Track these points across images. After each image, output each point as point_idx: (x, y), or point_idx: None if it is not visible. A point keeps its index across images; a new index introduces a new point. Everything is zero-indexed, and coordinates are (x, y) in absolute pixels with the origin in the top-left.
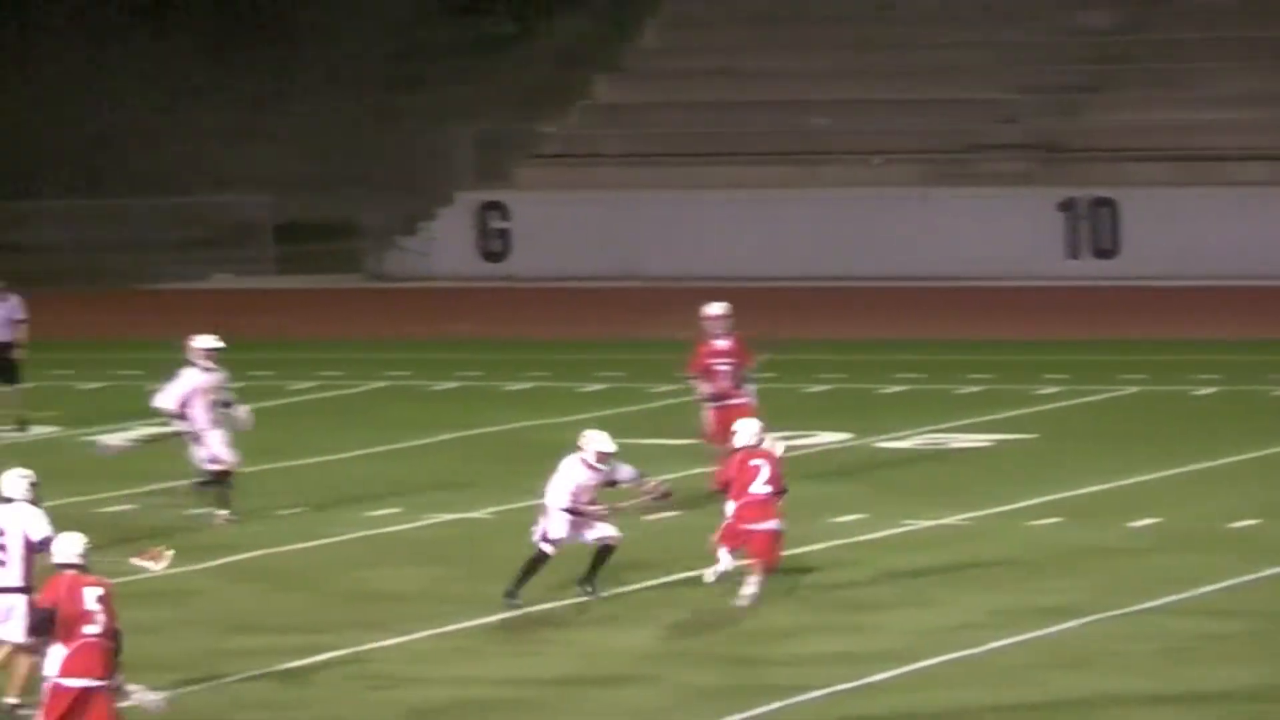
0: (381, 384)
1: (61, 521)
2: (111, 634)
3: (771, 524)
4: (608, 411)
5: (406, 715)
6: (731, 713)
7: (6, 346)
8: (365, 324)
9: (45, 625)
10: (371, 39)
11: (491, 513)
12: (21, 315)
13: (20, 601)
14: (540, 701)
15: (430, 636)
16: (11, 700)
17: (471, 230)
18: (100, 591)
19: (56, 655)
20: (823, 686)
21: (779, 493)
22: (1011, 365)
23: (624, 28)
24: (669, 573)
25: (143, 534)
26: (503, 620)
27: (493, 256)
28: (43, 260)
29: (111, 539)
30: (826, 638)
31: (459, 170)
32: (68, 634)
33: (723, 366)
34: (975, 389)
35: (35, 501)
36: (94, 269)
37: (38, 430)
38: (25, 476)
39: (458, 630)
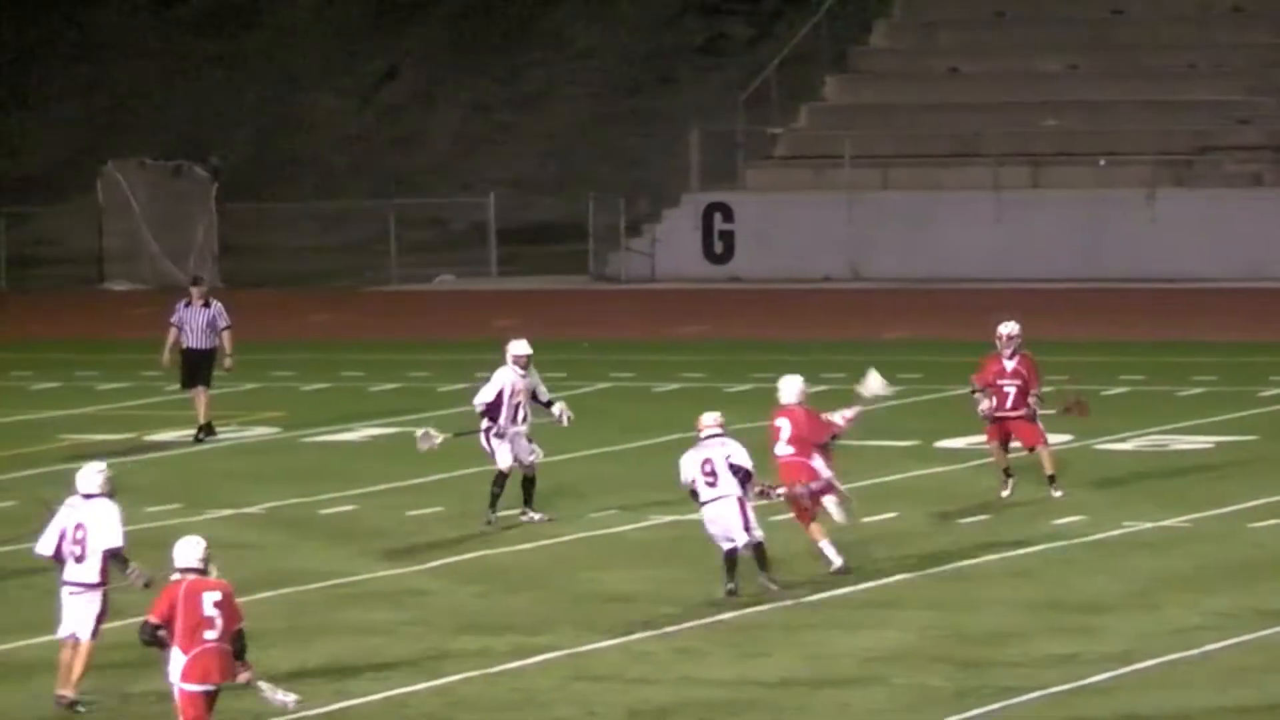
0: (605, 385)
1: (282, 522)
2: (231, 637)
3: (797, 487)
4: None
5: (628, 716)
6: (956, 713)
7: (209, 353)
8: (590, 325)
9: (154, 639)
10: (603, 42)
11: None
12: (225, 322)
13: (97, 597)
14: (765, 703)
15: (652, 637)
16: (69, 695)
17: (697, 232)
18: (218, 595)
19: (176, 661)
20: (1045, 687)
21: (816, 447)
22: (1235, 367)
23: (853, 29)
24: (890, 575)
25: (365, 535)
26: (724, 621)
27: (718, 258)
28: (274, 262)
29: (333, 539)
30: (1049, 639)
31: (687, 172)
32: (187, 640)
33: (1008, 387)
34: (1198, 391)
35: (112, 495)
36: (322, 270)
37: (261, 431)
38: (101, 471)
39: (679, 631)
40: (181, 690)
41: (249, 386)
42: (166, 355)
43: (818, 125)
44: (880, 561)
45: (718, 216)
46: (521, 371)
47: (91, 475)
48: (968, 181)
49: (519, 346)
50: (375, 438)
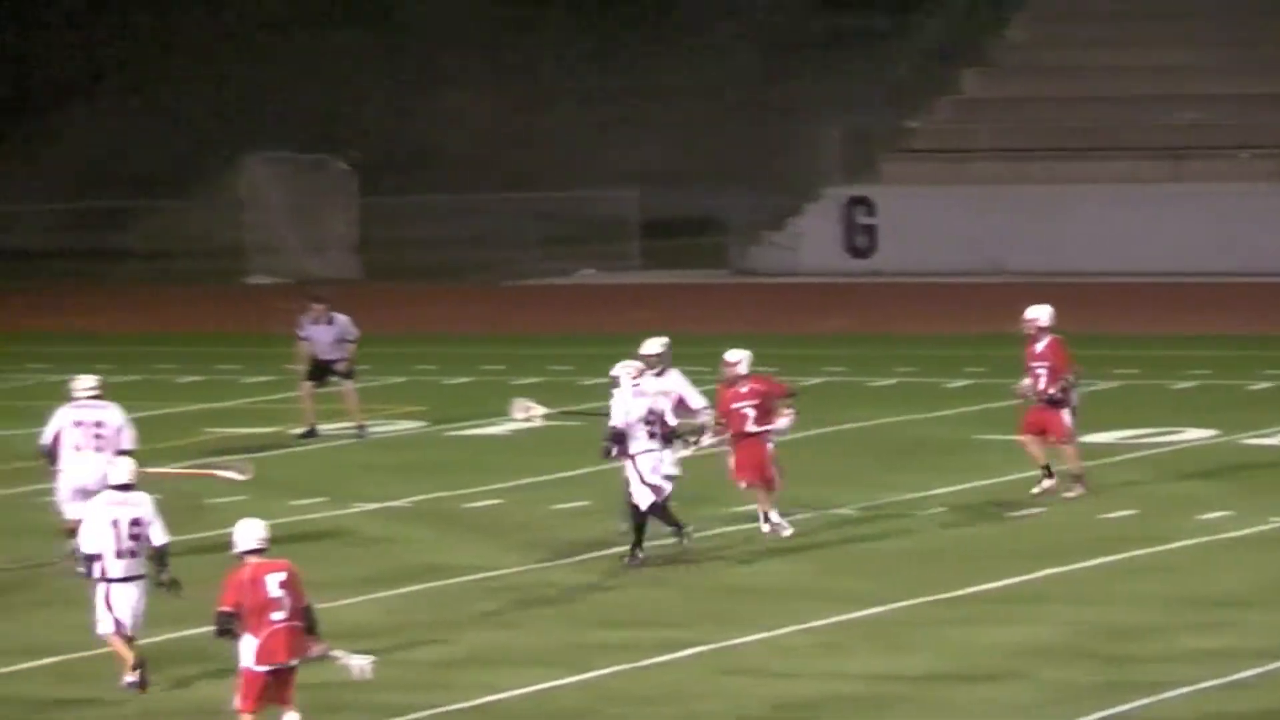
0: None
1: (427, 516)
2: (300, 613)
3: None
4: (973, 407)
5: (773, 710)
6: (1100, 709)
7: (331, 363)
8: (730, 319)
9: (229, 628)
10: (741, 33)
11: (857, 509)
12: (354, 334)
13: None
14: (908, 697)
15: (796, 631)
16: (131, 679)
17: (838, 225)
18: (283, 575)
19: (249, 645)
20: (1190, 684)
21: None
22: None
23: (992, 22)
24: (1035, 570)
25: (509, 529)
26: (868, 615)
27: (859, 252)
28: (414, 255)
29: (478, 533)
30: (1194, 634)
31: (826, 165)
32: (256, 624)
33: (1039, 369)
34: None
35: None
36: (461, 264)
37: (404, 425)
38: (129, 464)
39: (824, 625)
40: (247, 671)
41: (392, 381)
42: (302, 368)
43: (957, 119)
44: (1024, 556)
45: (859, 210)
46: (635, 383)
47: (124, 466)
48: (1107, 175)
49: (645, 345)
50: (519, 432)
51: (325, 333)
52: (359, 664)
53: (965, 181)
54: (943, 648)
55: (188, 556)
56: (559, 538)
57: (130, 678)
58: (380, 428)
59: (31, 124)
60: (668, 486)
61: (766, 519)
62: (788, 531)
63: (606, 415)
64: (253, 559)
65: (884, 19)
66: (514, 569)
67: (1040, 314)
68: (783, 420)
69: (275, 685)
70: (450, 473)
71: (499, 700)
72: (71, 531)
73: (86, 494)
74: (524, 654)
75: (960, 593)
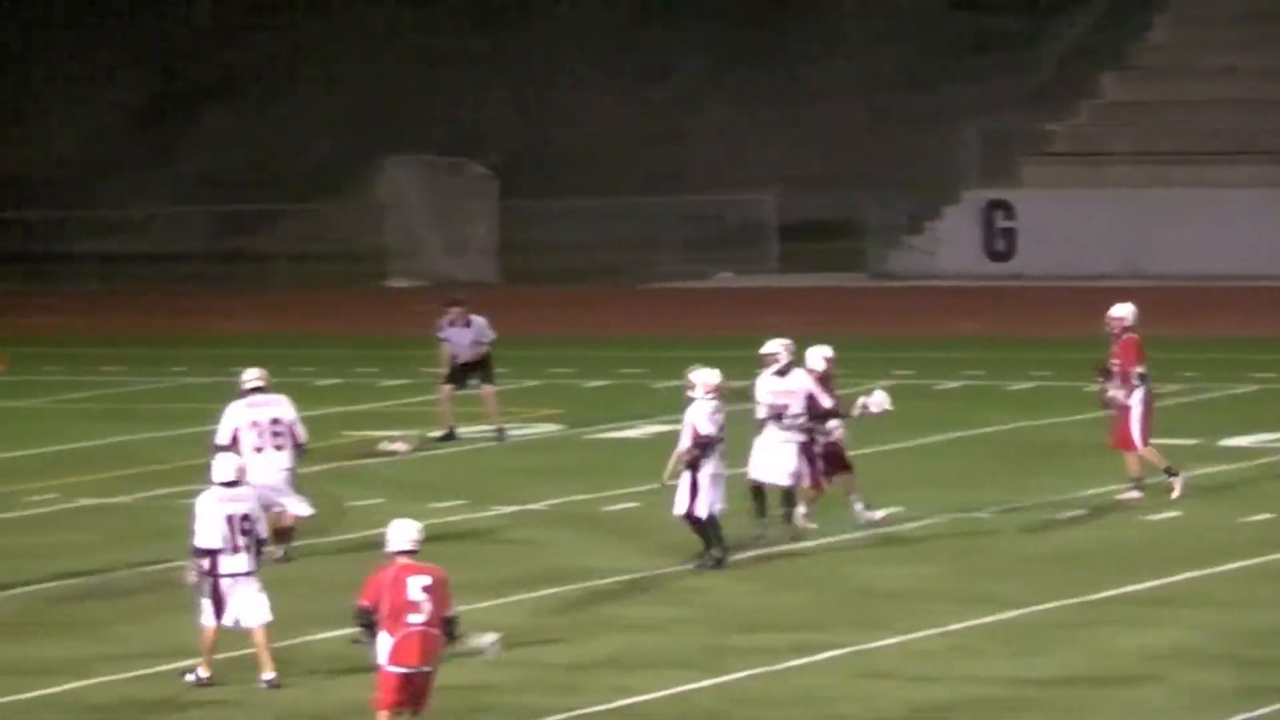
0: (887, 382)
1: (565, 518)
2: (440, 622)
3: None
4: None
5: (908, 713)
6: (1237, 714)
7: (471, 366)
8: (869, 322)
9: (365, 623)
10: (883, 36)
11: (993, 512)
12: (490, 337)
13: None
14: (1045, 701)
15: (931, 635)
16: (269, 676)
17: (977, 228)
18: (427, 580)
19: (384, 644)
20: None
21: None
22: None
23: (1133, 25)
24: (1172, 573)
25: (647, 531)
26: (1003, 618)
27: (998, 255)
28: (553, 258)
29: (616, 536)
30: None
31: (965, 168)
32: (393, 624)
33: (1114, 367)
34: None
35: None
36: (600, 267)
37: (543, 428)
38: (235, 460)
39: (960, 629)
40: (382, 670)
41: (530, 383)
42: (444, 369)
43: (1097, 122)
44: (1163, 560)
45: (999, 214)
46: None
47: (230, 464)
48: (1246, 178)
49: (766, 345)
50: (658, 435)
51: (463, 335)
52: (487, 642)
53: (1104, 185)
54: (1079, 651)
55: (332, 557)
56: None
57: (268, 675)
58: (519, 431)
59: (173, 128)
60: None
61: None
62: (879, 515)
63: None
64: (403, 559)
65: (1025, 22)
66: (651, 571)
67: (1119, 311)
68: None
69: (409, 689)
70: (588, 475)
71: (635, 703)
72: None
73: (274, 493)
74: (660, 657)
75: (1097, 596)
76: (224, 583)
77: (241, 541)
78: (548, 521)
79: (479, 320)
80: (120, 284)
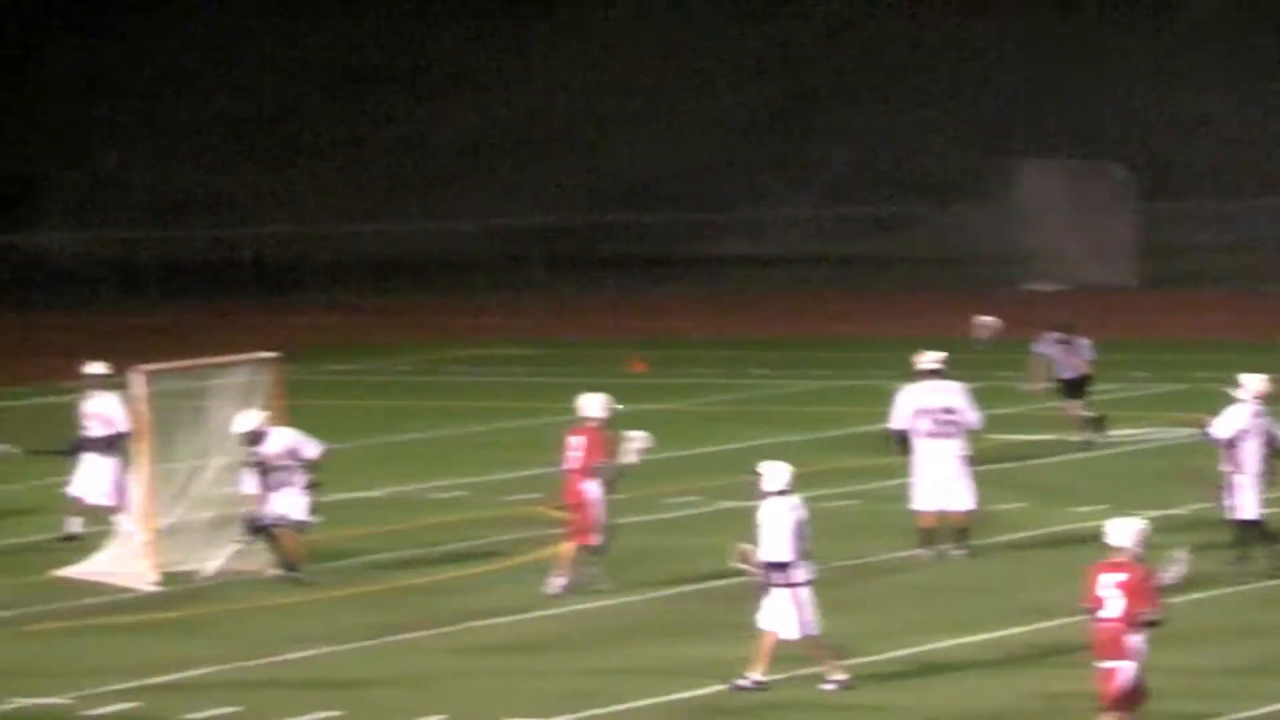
0: None
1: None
2: (1131, 619)
3: None
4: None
5: None
6: None
7: (1081, 381)
8: None
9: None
10: None
11: None
12: (1090, 356)
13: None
14: None
15: None
16: (757, 677)
17: None
18: (1122, 577)
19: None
20: None
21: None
22: None
23: None
24: None
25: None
26: None
27: None
28: (1195, 261)
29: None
30: None
31: None
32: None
33: None
34: None
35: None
36: (1235, 270)
37: (1189, 431)
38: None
39: None
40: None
41: (1170, 388)
42: (1038, 386)
43: None
44: None
45: None
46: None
47: (780, 472)
48: None
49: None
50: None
51: (1065, 351)
52: (1178, 563)
53: None
54: None
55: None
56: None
57: (837, 677)
58: (1160, 435)
59: (803, 130)
60: None
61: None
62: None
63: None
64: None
65: None
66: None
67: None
68: None
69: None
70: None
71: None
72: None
73: (939, 487)
74: None
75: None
76: (798, 592)
77: (805, 548)
78: (1191, 528)
79: (1084, 340)
80: (755, 287)
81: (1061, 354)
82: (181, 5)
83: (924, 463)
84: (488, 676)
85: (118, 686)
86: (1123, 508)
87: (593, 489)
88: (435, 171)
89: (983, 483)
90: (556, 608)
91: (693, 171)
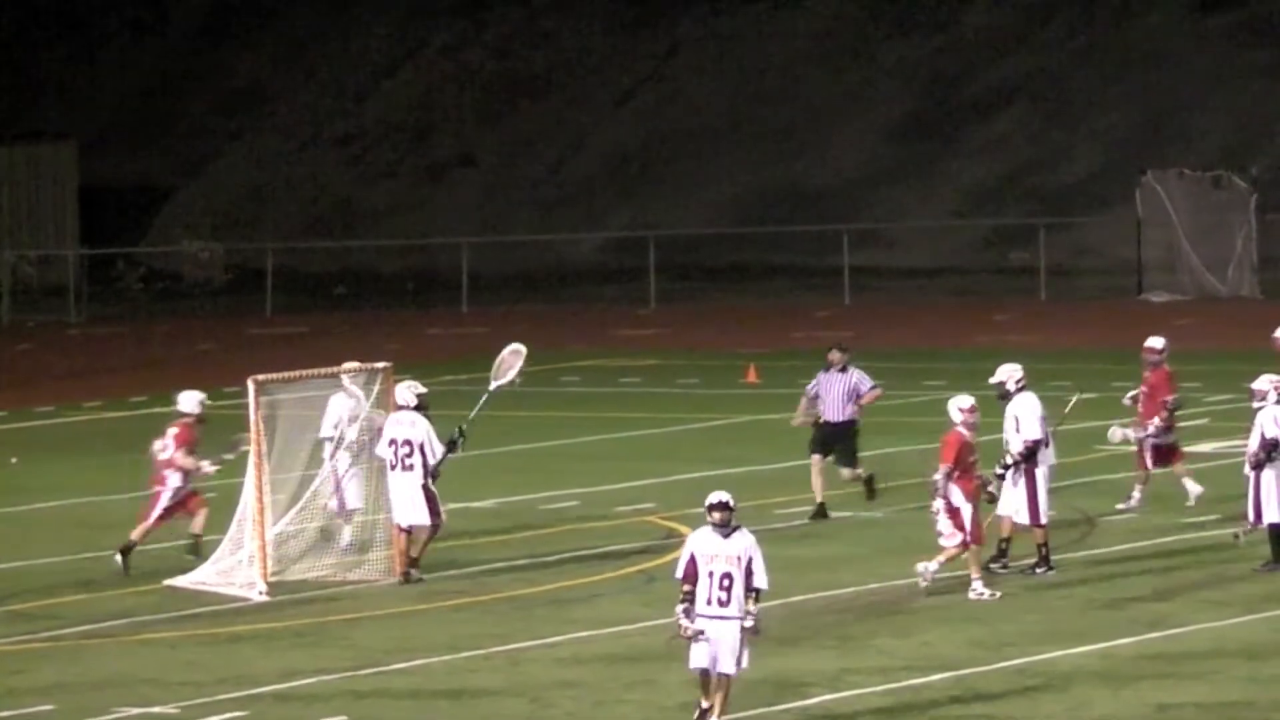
0: None
1: None
2: None
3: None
4: None
5: None
6: None
7: (846, 426)
8: None
9: None
10: None
11: None
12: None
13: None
14: None
15: None
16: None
17: None
18: None
19: None
20: None
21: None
22: None
23: None
24: None
25: None
26: None
27: None
28: None
29: None
30: None
31: None
32: None
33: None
34: None
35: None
36: None
37: None
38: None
39: None
40: None
41: None
42: (798, 418)
43: None
44: None
45: None
46: None
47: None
48: None
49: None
50: None
51: (837, 384)
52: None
53: None
54: None
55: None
56: None
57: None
58: None
59: (938, 140)
60: None
61: None
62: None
63: None
64: None
65: None
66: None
67: (1151, 343)
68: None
69: None
70: None
71: None
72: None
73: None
74: None
75: None
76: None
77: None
78: None
79: (857, 372)
80: (881, 297)
81: (831, 386)
82: (333, 16)
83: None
84: (595, 687)
85: (224, 696)
86: (1233, 518)
87: None
88: (579, 184)
89: (1099, 493)
90: (664, 618)
91: (835, 183)
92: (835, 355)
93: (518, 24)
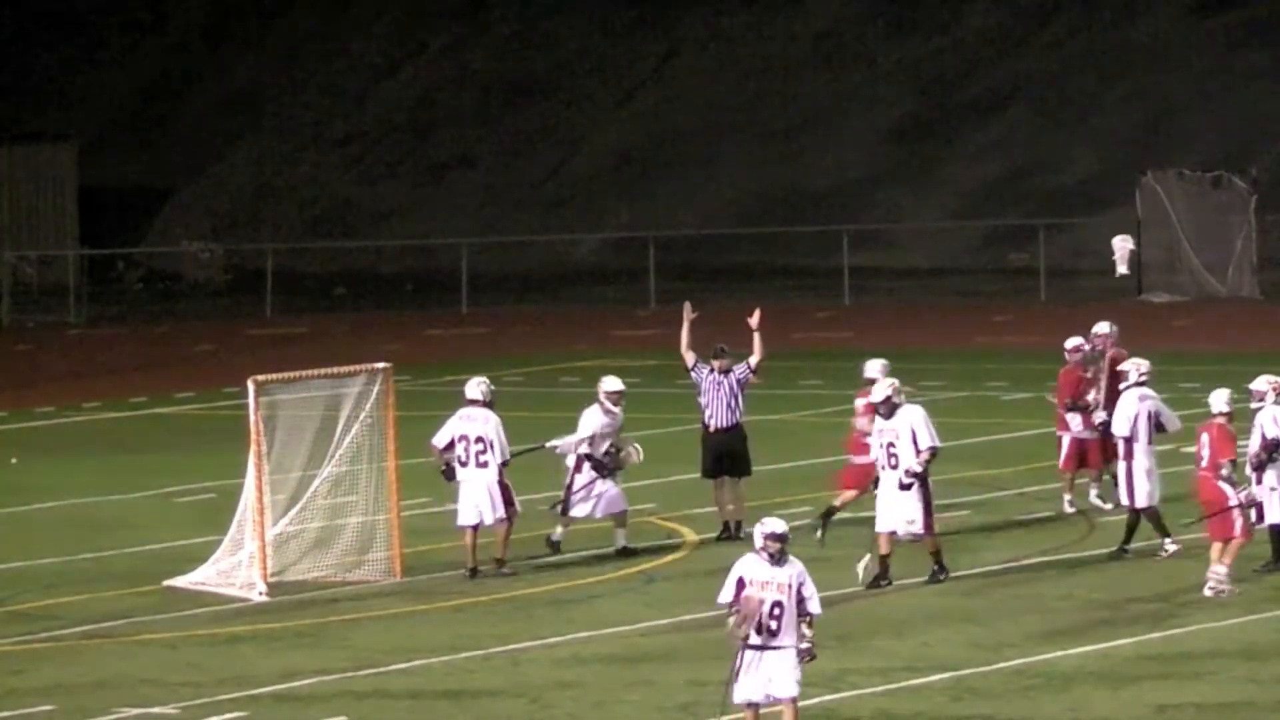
0: None
1: None
2: None
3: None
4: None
5: None
6: None
7: (733, 430)
8: None
9: None
10: None
11: None
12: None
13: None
14: None
15: None
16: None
17: None
18: None
19: None
20: None
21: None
22: None
23: None
24: None
25: None
26: None
27: None
28: None
29: None
30: None
31: None
32: None
33: None
34: None
35: None
36: None
37: None
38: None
39: None
40: None
41: None
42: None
43: None
44: None
45: None
46: None
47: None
48: None
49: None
50: None
51: (722, 388)
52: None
53: None
54: None
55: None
56: None
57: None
58: None
59: (937, 142)
60: None
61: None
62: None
63: None
64: None
65: None
66: None
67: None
68: None
69: None
70: None
71: None
72: None
73: None
74: None
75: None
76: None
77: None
78: None
79: (740, 366)
80: (882, 298)
81: (715, 392)
82: (333, 17)
83: None
84: (595, 688)
85: (224, 696)
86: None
87: None
88: (579, 185)
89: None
90: (665, 618)
91: (831, 182)
92: (717, 363)
93: (517, 25)
